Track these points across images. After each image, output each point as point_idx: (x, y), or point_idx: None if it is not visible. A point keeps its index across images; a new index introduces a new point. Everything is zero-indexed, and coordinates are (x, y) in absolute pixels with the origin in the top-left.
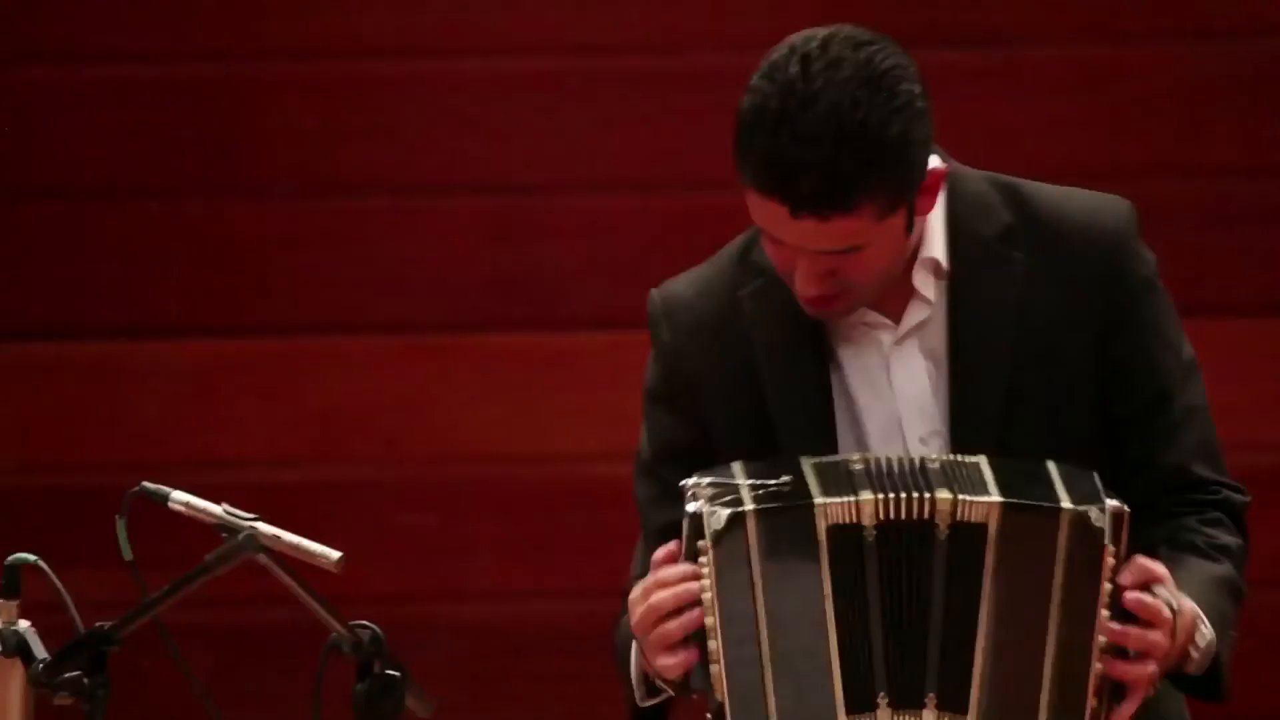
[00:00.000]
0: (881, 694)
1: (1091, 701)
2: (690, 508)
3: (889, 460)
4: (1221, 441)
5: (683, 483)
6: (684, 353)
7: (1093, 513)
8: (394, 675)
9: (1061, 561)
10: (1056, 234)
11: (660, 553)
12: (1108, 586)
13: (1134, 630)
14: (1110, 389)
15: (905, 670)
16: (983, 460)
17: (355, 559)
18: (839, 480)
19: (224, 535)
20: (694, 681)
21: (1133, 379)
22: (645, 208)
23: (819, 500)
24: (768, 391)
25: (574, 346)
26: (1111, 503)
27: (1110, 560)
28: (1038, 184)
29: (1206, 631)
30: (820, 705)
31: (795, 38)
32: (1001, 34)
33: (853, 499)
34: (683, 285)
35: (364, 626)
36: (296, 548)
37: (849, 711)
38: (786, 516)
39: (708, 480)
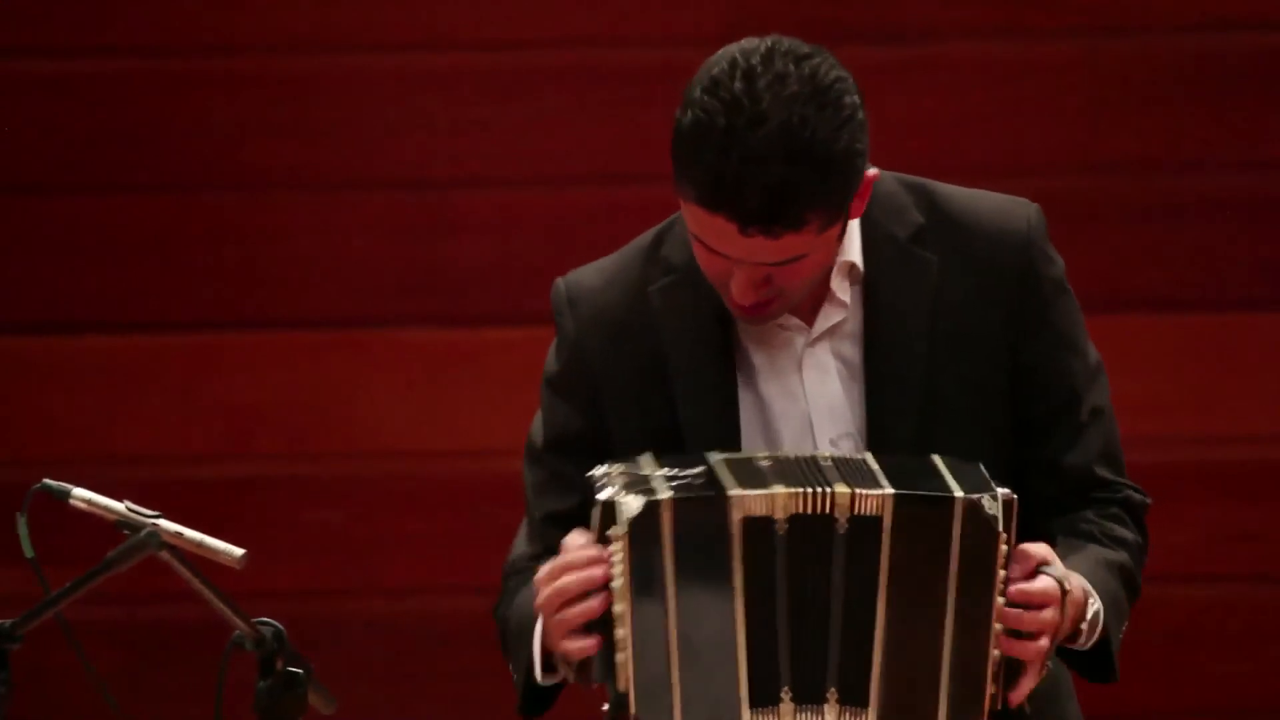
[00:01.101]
0: (785, 688)
1: (990, 688)
2: (602, 495)
3: (792, 457)
4: (1134, 437)
5: (592, 471)
6: (587, 344)
7: (985, 501)
8: (296, 672)
9: (956, 551)
10: (968, 236)
11: (573, 536)
12: (1002, 573)
13: (1026, 614)
14: (1020, 391)
15: (808, 665)
16: (868, 456)
17: (263, 555)
18: (751, 474)
19: (126, 532)
20: (595, 673)
21: (1041, 382)
22: (556, 203)
23: (734, 492)
24: (674, 389)
25: (485, 342)
26: (1002, 490)
27: (1003, 547)
28: (948, 185)
29: (1094, 604)
30: (725, 698)
31: (734, 50)
32: (910, 30)
33: (767, 492)
34: (589, 275)
35: (266, 623)
36: (199, 545)
37: (753, 705)
38: (701, 507)
39: (619, 469)
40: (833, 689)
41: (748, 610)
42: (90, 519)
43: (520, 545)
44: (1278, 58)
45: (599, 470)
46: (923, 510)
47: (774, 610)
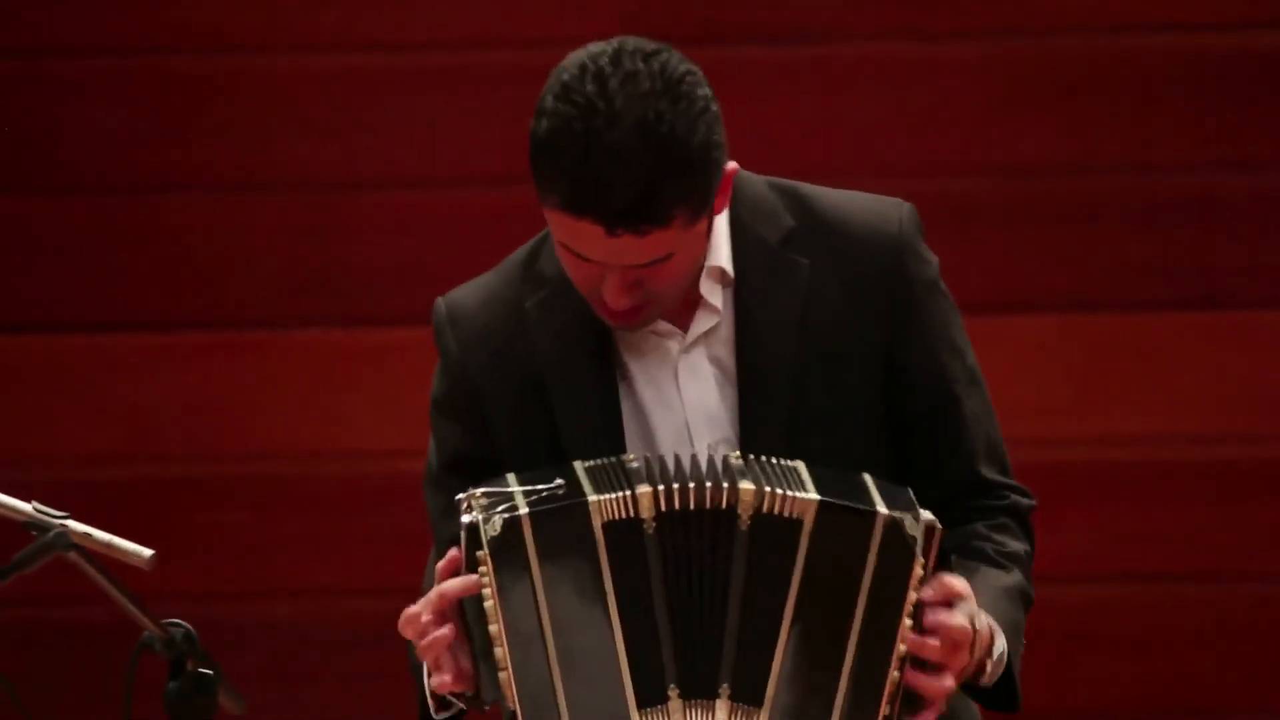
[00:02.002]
0: (672, 685)
1: (884, 708)
2: (465, 519)
3: (676, 457)
4: (1028, 438)
5: (458, 496)
6: (469, 364)
7: (907, 521)
8: (207, 674)
9: (871, 565)
10: (839, 238)
11: (443, 564)
12: (913, 596)
13: (933, 643)
14: (896, 393)
15: (697, 661)
16: (802, 465)
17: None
18: (614, 478)
19: (34, 533)
20: (485, 693)
21: (918, 383)
22: (454, 204)
23: (592, 498)
24: (555, 403)
25: (383, 343)
26: (925, 515)
27: (919, 571)
28: (818, 187)
29: (1000, 643)
30: (612, 702)
31: (582, 55)
32: (810, 31)
33: (627, 493)
34: (467, 294)
35: (176, 624)
36: (108, 545)
37: (640, 705)
38: (560, 517)
39: (481, 491)
40: (725, 685)
41: (623, 612)
42: None
43: (430, 574)
44: (1176, 59)
45: (463, 494)
46: (844, 520)
47: (651, 608)
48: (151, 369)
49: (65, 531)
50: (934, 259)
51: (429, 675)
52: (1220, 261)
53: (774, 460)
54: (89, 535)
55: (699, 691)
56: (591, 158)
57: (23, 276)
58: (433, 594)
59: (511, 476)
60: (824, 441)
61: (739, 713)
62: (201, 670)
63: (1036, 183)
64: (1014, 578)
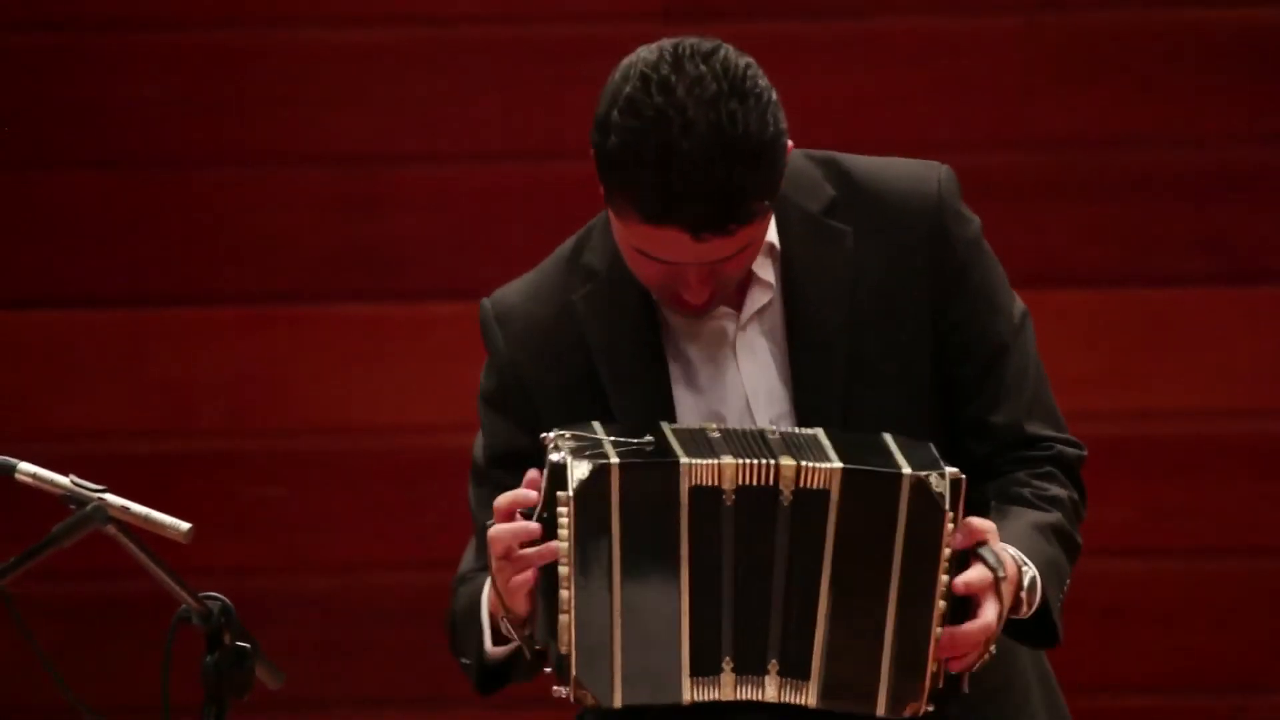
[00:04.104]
0: (727, 659)
1: (932, 666)
2: (553, 458)
3: (741, 431)
4: (1065, 412)
5: (544, 434)
6: (518, 360)
7: (933, 479)
8: (244, 647)
9: (902, 528)
10: (880, 204)
11: (505, 498)
12: (947, 552)
13: (956, 629)
14: (944, 353)
15: (750, 636)
16: (820, 432)
17: (205, 532)
18: (700, 445)
19: (72, 507)
20: (539, 634)
21: (965, 342)
22: (492, 178)
23: (684, 460)
24: (609, 393)
25: (422, 317)
26: (950, 470)
27: (949, 526)
28: (854, 155)
29: (1029, 571)
30: (666, 665)
31: (638, 66)
32: (851, 6)
33: (715, 461)
34: (513, 293)
35: (213, 598)
36: (145, 519)
37: (693, 673)
38: (651, 473)
39: (570, 433)
40: (774, 660)
41: (693, 579)
42: (36, 493)
43: (468, 561)
44: (1214, 32)
45: (550, 433)
46: (870, 485)
47: (719, 581)
48: (190, 344)
49: (103, 505)
50: (975, 218)
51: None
52: (1259, 235)
53: (795, 430)
54: (126, 509)
55: (750, 667)
56: (673, 169)
57: (63, 252)
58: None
59: (598, 425)
60: (877, 407)
61: (788, 687)
62: (239, 644)
63: (1075, 157)
64: (1051, 516)
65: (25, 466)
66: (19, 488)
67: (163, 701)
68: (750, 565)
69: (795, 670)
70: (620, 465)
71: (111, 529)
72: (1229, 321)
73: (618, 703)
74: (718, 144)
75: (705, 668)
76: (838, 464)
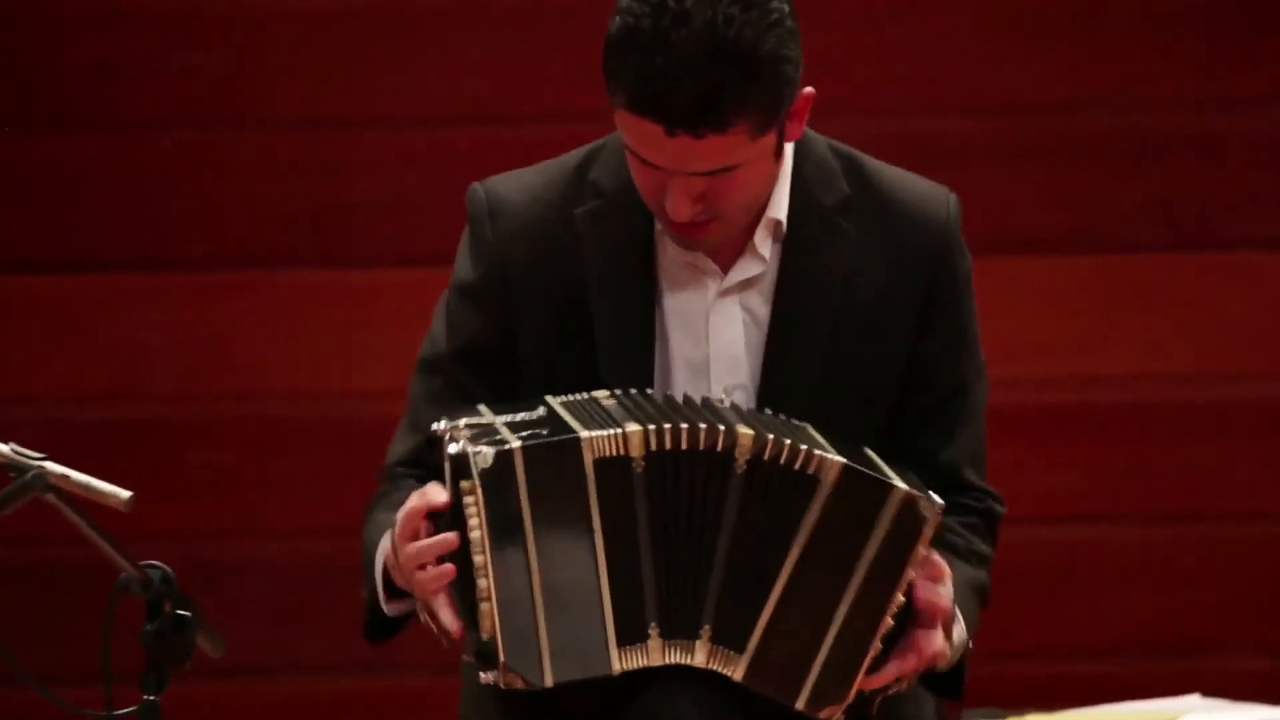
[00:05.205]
0: (653, 624)
1: (861, 677)
2: (452, 450)
3: (665, 397)
4: (1019, 378)
5: (434, 426)
6: (508, 255)
7: (923, 502)
8: (185, 615)
9: (880, 537)
10: (890, 214)
11: (436, 496)
12: (911, 573)
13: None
14: (912, 379)
15: (680, 601)
16: (809, 426)
17: (153, 497)
18: (596, 415)
19: (12, 474)
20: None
21: (932, 371)
22: (444, 144)
23: (584, 434)
24: (596, 314)
25: (376, 283)
26: (938, 500)
27: (922, 550)
28: (875, 160)
29: (961, 632)
30: (592, 638)
31: None
32: None
33: (619, 431)
34: (510, 187)
35: (154, 566)
36: (86, 487)
37: (620, 643)
38: (553, 452)
39: (464, 422)
40: (707, 627)
41: (608, 550)
42: None
43: (400, 447)
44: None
45: (441, 425)
46: (864, 488)
47: (637, 548)
48: (138, 308)
49: (42, 473)
50: (969, 255)
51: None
52: (1212, 200)
53: (780, 415)
54: (66, 477)
55: (680, 632)
56: (655, 55)
57: (5, 214)
58: (413, 507)
59: (484, 408)
60: (839, 409)
61: (718, 656)
62: (179, 611)
63: (1027, 122)
64: (980, 575)
65: None
66: None
67: (103, 669)
68: (680, 530)
69: (729, 640)
70: (523, 449)
71: (51, 497)
72: (1182, 287)
73: (549, 682)
74: (707, 40)
75: (631, 635)
76: (838, 458)
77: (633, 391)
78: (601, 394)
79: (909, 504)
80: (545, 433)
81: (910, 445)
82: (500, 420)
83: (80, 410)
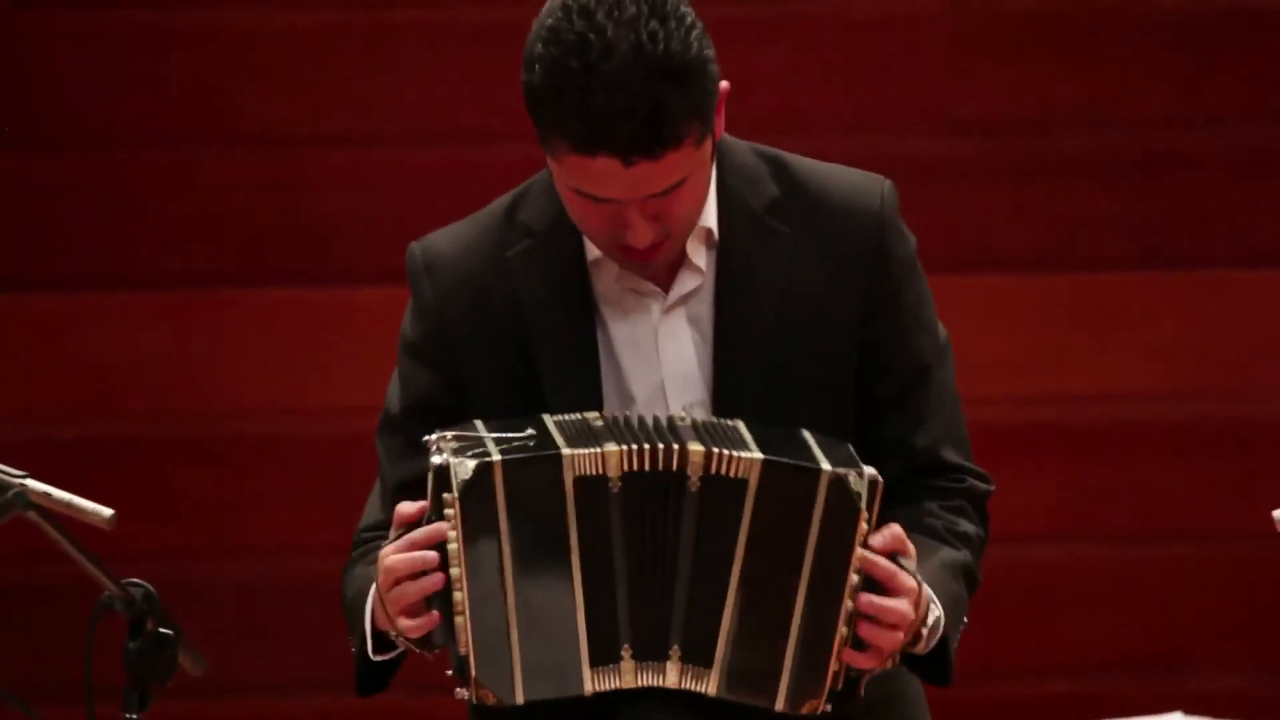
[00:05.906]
0: (625, 646)
1: (834, 665)
2: (435, 460)
3: (632, 417)
4: (993, 396)
5: (426, 438)
6: (447, 311)
7: (851, 477)
8: (166, 633)
9: (817, 523)
10: (822, 210)
11: (405, 508)
12: (860, 551)
13: (881, 601)
14: (868, 369)
15: (650, 622)
16: (740, 424)
17: (134, 515)
18: (582, 434)
19: None
20: (436, 637)
21: (889, 358)
22: (419, 161)
23: (566, 451)
24: (537, 353)
25: (347, 300)
26: (869, 470)
27: (864, 526)
28: (801, 158)
29: (936, 610)
30: (565, 657)
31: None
32: None
33: (598, 450)
34: (444, 241)
35: (136, 584)
36: (68, 505)
37: (593, 664)
38: (534, 467)
39: (452, 434)
40: (675, 647)
41: (584, 569)
42: None
43: (372, 513)
44: (1137, 14)
45: (432, 435)
46: (788, 478)
47: (612, 569)
48: (117, 326)
49: (24, 491)
50: (912, 236)
51: (382, 614)
52: (1185, 218)
53: (714, 420)
54: (48, 494)
55: (651, 653)
56: (595, 92)
57: None
58: (402, 540)
59: (480, 423)
60: (795, 409)
61: (689, 674)
62: (161, 630)
63: (1000, 139)
64: (961, 555)
65: None
66: None
67: (86, 687)
68: (647, 551)
69: (697, 657)
70: (503, 462)
71: (33, 515)
72: (1154, 305)
73: (520, 699)
74: (639, 63)
75: (604, 657)
76: (758, 454)
77: (622, 414)
78: (594, 415)
79: (837, 482)
80: (530, 447)
81: (881, 434)
82: (490, 435)
83: (59, 428)
